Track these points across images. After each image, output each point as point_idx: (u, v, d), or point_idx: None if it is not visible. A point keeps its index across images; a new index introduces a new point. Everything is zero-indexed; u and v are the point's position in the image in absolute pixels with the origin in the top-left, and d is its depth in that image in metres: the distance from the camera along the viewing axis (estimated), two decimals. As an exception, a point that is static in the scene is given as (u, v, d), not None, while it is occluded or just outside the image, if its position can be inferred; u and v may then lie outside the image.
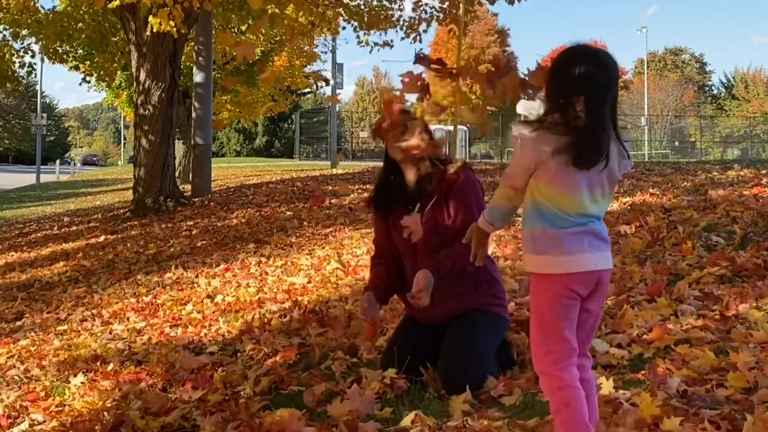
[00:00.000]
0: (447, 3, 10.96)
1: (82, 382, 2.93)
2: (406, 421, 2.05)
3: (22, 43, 12.22)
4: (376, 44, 12.15)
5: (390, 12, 11.49)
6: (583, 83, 1.60)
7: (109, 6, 8.19)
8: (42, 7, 12.40)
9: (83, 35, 12.98)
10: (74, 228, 10.05)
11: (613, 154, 1.64)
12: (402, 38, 11.69)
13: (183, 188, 11.30)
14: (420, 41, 11.90)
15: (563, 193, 1.63)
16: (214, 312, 4.12)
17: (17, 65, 12.33)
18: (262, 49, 18.06)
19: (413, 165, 2.47)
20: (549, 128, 1.62)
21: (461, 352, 2.38)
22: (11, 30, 11.90)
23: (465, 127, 35.34)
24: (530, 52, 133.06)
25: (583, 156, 1.60)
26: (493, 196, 1.80)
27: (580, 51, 1.68)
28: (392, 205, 2.56)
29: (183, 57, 10.57)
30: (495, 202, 1.78)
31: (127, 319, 4.37)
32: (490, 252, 4.22)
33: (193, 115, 11.74)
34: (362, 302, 2.59)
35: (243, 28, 15.24)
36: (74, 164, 47.01)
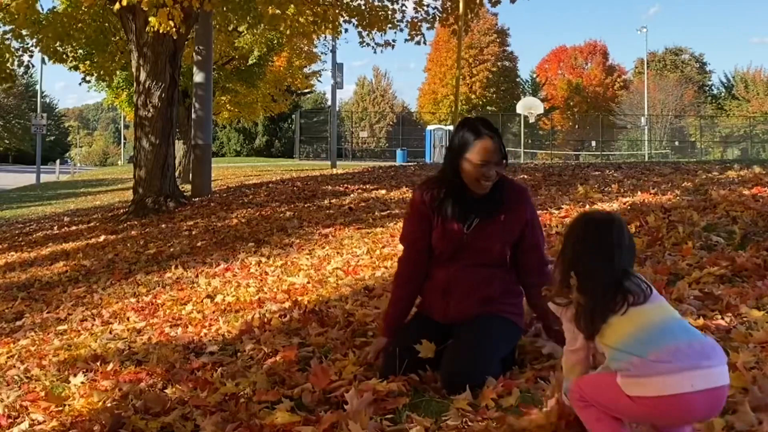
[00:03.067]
0: (448, 3, 10.97)
1: (82, 382, 2.93)
2: (407, 420, 2.05)
3: (21, 43, 12.21)
4: (377, 44, 12.17)
5: (390, 12, 11.50)
6: (576, 259, 1.75)
7: (113, 8, 8.17)
8: (41, 7, 12.40)
9: (83, 35, 12.99)
10: (74, 228, 10.06)
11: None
12: (406, 39, 11.68)
13: (183, 188, 11.30)
14: (424, 42, 11.91)
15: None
16: (214, 312, 4.12)
17: (15, 64, 12.32)
18: (260, 52, 18.08)
19: (483, 185, 2.43)
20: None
21: (469, 351, 2.34)
22: (11, 30, 11.89)
23: (465, 127, 35.33)
24: (530, 52, 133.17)
25: (582, 328, 1.73)
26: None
27: (578, 225, 1.82)
28: (448, 210, 2.50)
29: (183, 57, 10.57)
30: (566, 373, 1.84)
31: (127, 318, 4.37)
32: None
33: (193, 115, 11.76)
34: (374, 348, 2.62)
35: (241, 28, 15.26)
36: (74, 164, 47.02)
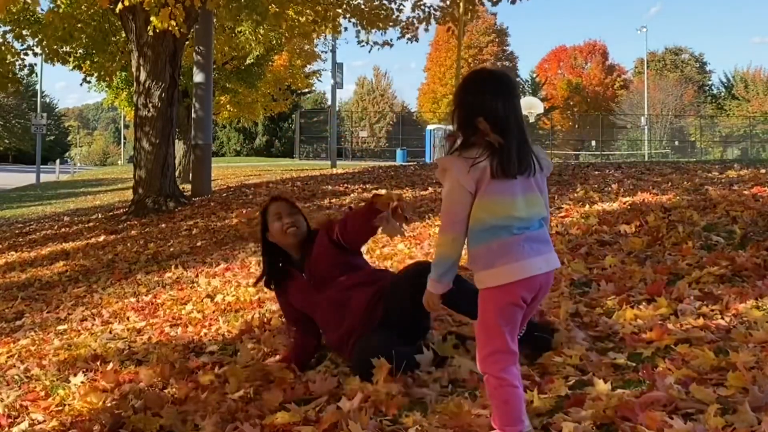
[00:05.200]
0: (448, 2, 10.96)
1: (82, 382, 2.93)
2: (408, 420, 2.05)
3: (23, 45, 12.22)
4: (376, 43, 12.16)
5: (390, 11, 11.49)
6: (481, 105, 1.75)
7: (115, 9, 8.15)
8: (41, 10, 12.39)
9: (84, 36, 12.99)
10: (74, 228, 10.06)
11: (537, 159, 1.79)
12: (398, 37, 11.69)
13: (183, 188, 11.30)
14: (417, 40, 11.91)
15: (500, 202, 1.75)
16: (214, 311, 4.12)
17: (18, 67, 12.34)
18: (258, 51, 18.06)
19: (292, 243, 2.85)
20: (469, 152, 1.76)
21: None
22: (12, 31, 11.90)
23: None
24: (530, 52, 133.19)
25: (506, 166, 1.73)
26: (436, 251, 1.89)
27: (474, 77, 1.87)
28: (285, 279, 2.91)
29: (183, 57, 10.57)
30: (442, 255, 1.84)
31: (127, 318, 4.37)
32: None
33: (193, 115, 11.75)
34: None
35: (243, 27, 15.26)
36: (74, 164, 47.00)
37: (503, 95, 1.77)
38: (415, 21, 11.52)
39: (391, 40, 12.22)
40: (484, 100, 1.76)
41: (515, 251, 1.74)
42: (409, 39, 11.72)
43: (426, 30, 11.96)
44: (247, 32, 15.74)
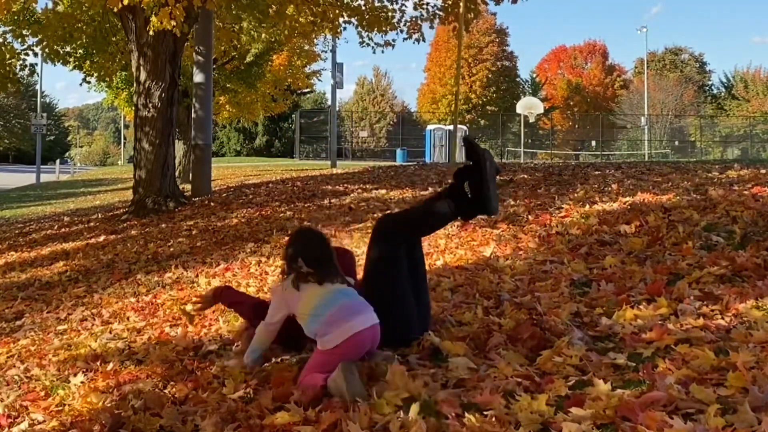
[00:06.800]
0: (449, 2, 10.95)
1: (82, 382, 2.93)
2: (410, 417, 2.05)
3: (23, 45, 12.22)
4: (377, 44, 12.16)
5: (390, 12, 11.48)
6: (296, 251, 2.78)
7: (115, 9, 8.14)
8: (39, 9, 12.40)
9: (84, 36, 12.99)
10: (74, 228, 10.06)
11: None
12: (404, 38, 11.66)
13: (183, 188, 11.30)
14: (423, 40, 11.91)
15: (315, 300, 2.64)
16: (214, 312, 4.11)
17: (18, 68, 12.34)
18: (257, 51, 18.05)
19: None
20: (292, 283, 2.71)
21: None
22: (12, 31, 11.90)
23: (465, 127, 35.35)
24: (530, 52, 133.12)
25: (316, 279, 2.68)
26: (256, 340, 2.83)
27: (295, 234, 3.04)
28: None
29: (183, 57, 10.57)
30: (258, 343, 2.82)
31: (127, 318, 4.37)
32: (489, 253, 4.23)
33: (193, 115, 11.75)
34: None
35: (240, 27, 15.25)
36: (74, 164, 46.99)
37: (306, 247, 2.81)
38: (419, 20, 11.52)
39: (393, 40, 12.20)
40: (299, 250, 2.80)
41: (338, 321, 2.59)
42: (416, 40, 11.71)
43: (431, 27, 11.96)
44: (246, 29, 15.73)
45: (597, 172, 8.87)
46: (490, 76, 46.91)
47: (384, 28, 11.45)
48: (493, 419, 1.98)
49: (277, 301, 2.77)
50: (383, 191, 8.87)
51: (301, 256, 2.75)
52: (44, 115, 28.37)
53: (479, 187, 2.84)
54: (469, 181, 2.89)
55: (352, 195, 8.87)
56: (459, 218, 3.06)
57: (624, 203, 5.46)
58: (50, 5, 12.13)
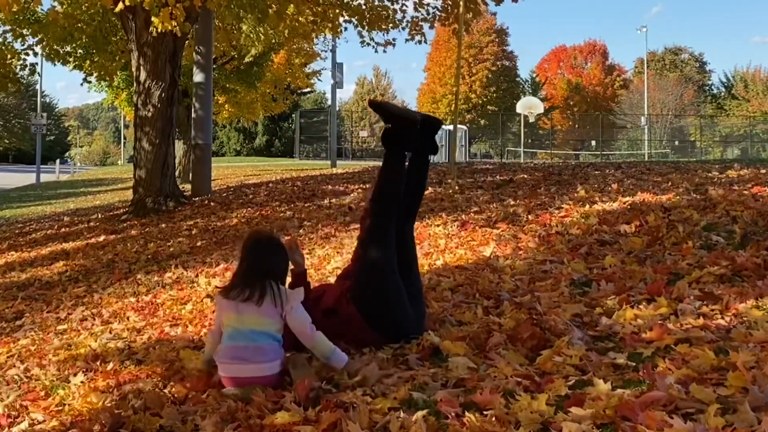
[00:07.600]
0: (449, 2, 10.94)
1: (82, 382, 2.93)
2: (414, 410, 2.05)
3: (23, 44, 12.22)
4: (378, 44, 12.15)
5: (391, 11, 11.48)
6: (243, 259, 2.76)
7: (115, 9, 8.13)
8: (42, 10, 12.38)
9: (84, 35, 12.98)
10: (74, 228, 10.06)
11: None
12: (406, 39, 11.66)
13: (183, 188, 11.30)
14: (425, 41, 11.90)
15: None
16: (213, 312, 4.11)
17: (18, 67, 12.34)
18: (257, 51, 18.03)
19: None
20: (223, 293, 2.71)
21: None
22: (12, 31, 11.89)
23: (464, 127, 35.35)
24: (530, 52, 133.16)
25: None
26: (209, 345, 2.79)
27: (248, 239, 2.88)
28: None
29: (183, 57, 10.56)
30: (209, 349, 2.77)
31: (127, 318, 4.37)
32: (489, 253, 4.23)
33: (193, 115, 11.75)
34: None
35: (243, 25, 15.24)
36: (74, 164, 46.98)
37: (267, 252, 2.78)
38: (420, 21, 11.51)
39: (394, 39, 12.17)
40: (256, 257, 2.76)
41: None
42: (418, 41, 11.71)
43: (431, 27, 11.95)
44: (246, 30, 15.72)
45: (597, 172, 8.87)
46: (490, 75, 46.90)
47: (385, 27, 11.45)
48: (493, 419, 1.97)
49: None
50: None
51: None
52: (44, 114, 28.38)
53: (399, 123, 2.99)
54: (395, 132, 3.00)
55: (352, 195, 8.87)
56: (405, 151, 3.04)
57: (624, 203, 5.46)
58: (57, 6, 12.09)
